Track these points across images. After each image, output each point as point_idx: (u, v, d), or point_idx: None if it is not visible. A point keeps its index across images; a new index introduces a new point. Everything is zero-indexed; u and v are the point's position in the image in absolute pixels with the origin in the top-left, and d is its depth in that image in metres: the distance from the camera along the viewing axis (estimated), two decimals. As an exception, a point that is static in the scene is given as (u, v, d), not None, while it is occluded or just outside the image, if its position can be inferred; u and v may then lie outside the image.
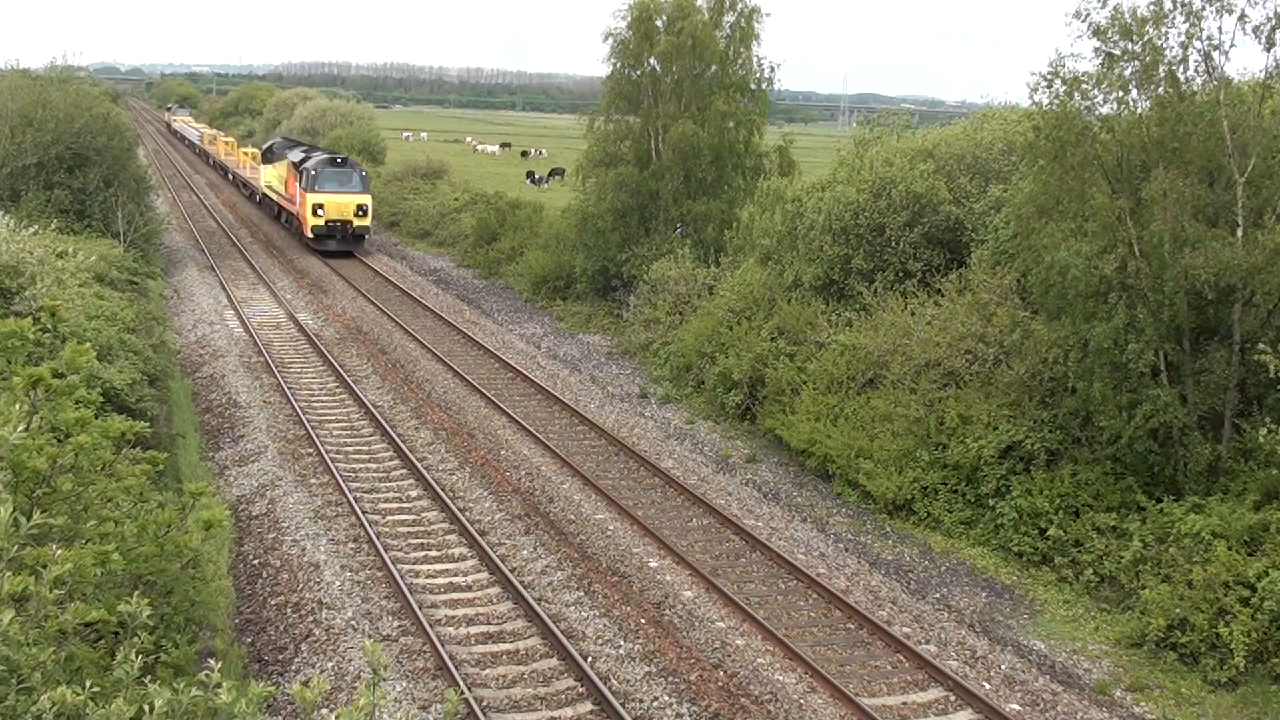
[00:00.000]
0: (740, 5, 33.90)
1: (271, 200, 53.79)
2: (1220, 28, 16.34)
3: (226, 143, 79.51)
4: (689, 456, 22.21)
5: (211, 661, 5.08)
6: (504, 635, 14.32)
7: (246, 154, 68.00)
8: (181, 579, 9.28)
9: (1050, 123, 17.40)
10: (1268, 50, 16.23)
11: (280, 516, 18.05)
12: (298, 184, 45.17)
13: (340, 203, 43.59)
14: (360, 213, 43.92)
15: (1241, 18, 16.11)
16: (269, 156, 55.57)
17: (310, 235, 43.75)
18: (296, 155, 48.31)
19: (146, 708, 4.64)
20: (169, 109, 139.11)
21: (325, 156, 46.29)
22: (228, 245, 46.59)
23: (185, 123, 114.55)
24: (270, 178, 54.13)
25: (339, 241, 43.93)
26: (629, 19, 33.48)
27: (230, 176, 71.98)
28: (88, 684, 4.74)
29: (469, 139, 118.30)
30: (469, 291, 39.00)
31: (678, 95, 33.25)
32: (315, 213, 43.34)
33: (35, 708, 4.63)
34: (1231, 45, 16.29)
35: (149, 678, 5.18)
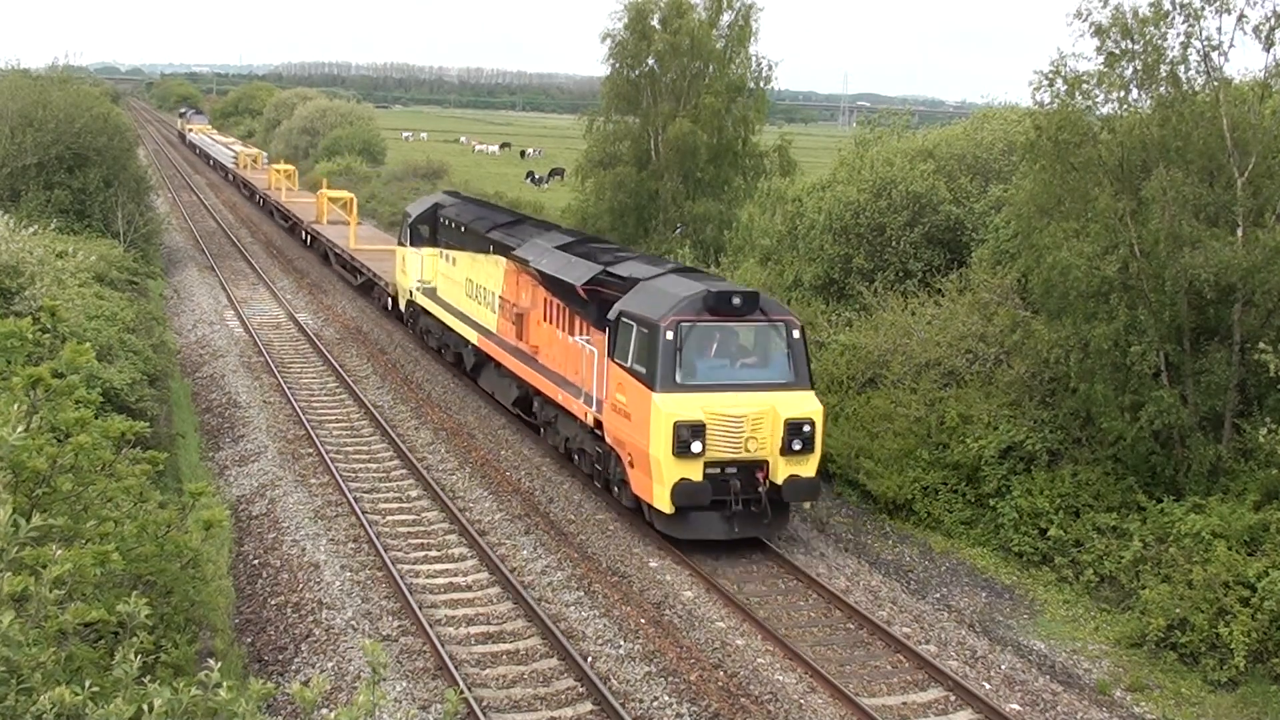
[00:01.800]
0: (738, 4, 33.95)
1: (445, 333, 26.30)
2: (1219, 28, 16.38)
3: (282, 172, 52.86)
4: (689, 456, 22.15)
5: (211, 661, 5.07)
6: (504, 635, 14.31)
7: (332, 199, 42.43)
8: (181, 579, 9.30)
9: (1053, 123, 17.40)
10: (1267, 50, 16.26)
11: (280, 516, 18.05)
12: (607, 353, 17.45)
13: (744, 417, 16.37)
14: (799, 441, 16.47)
15: (1241, 18, 16.14)
16: (426, 232, 27.51)
17: (668, 503, 16.17)
18: (553, 259, 19.94)
19: (146, 707, 4.64)
20: (182, 114, 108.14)
21: (703, 288, 16.89)
22: (227, 245, 46.59)
23: (205, 134, 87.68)
24: (431, 274, 27.35)
25: (739, 522, 16.62)
26: (625, 19, 33.55)
27: (305, 237, 43.68)
28: (87, 684, 4.74)
29: (463, 138, 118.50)
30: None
31: (676, 95, 33.30)
32: (683, 446, 15.92)
33: (35, 708, 4.63)
34: (1231, 45, 16.33)
35: (148, 678, 5.18)
